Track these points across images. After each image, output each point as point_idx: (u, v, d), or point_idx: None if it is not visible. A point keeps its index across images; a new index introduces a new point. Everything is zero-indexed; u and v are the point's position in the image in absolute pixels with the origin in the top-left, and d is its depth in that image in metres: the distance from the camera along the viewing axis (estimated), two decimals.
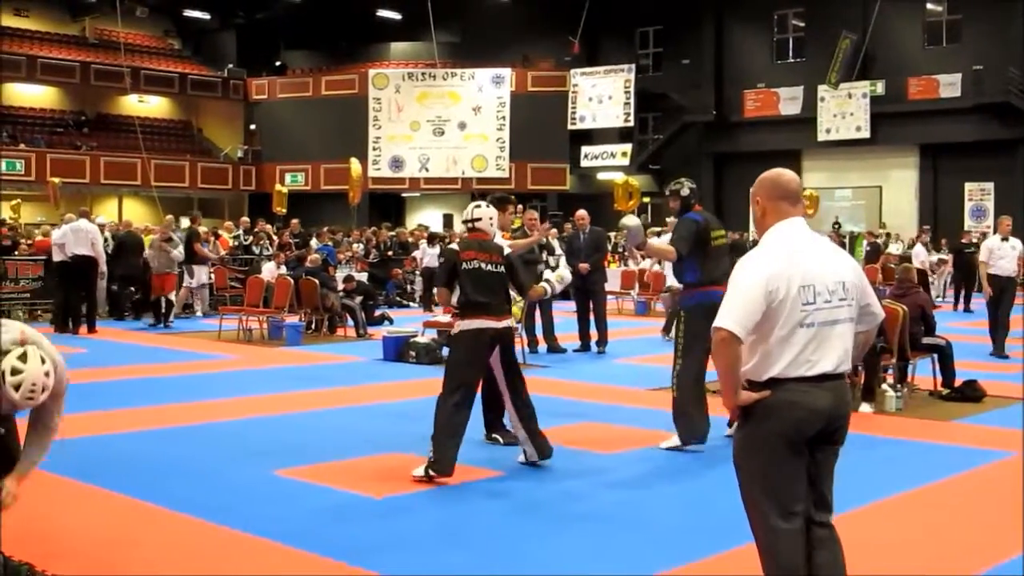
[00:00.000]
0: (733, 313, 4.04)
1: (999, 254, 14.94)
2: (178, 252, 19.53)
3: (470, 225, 8.04)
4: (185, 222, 22.44)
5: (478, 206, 8.07)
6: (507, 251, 7.97)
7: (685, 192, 8.83)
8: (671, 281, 22.73)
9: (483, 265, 7.73)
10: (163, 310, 19.00)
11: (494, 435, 8.74)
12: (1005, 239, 15.16)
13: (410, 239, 27.72)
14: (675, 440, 8.50)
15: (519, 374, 7.99)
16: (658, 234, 29.34)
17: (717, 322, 4.07)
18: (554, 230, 15.92)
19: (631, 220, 8.89)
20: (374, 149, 43.62)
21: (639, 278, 23.54)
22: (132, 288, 20.48)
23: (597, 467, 7.87)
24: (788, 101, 39.85)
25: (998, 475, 7.79)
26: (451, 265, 7.78)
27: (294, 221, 27.22)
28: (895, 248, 33.94)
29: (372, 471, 7.77)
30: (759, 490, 4.13)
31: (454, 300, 7.84)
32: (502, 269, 7.81)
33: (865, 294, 4.29)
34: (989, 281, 14.85)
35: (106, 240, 20.02)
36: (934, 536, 6.30)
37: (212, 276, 21.60)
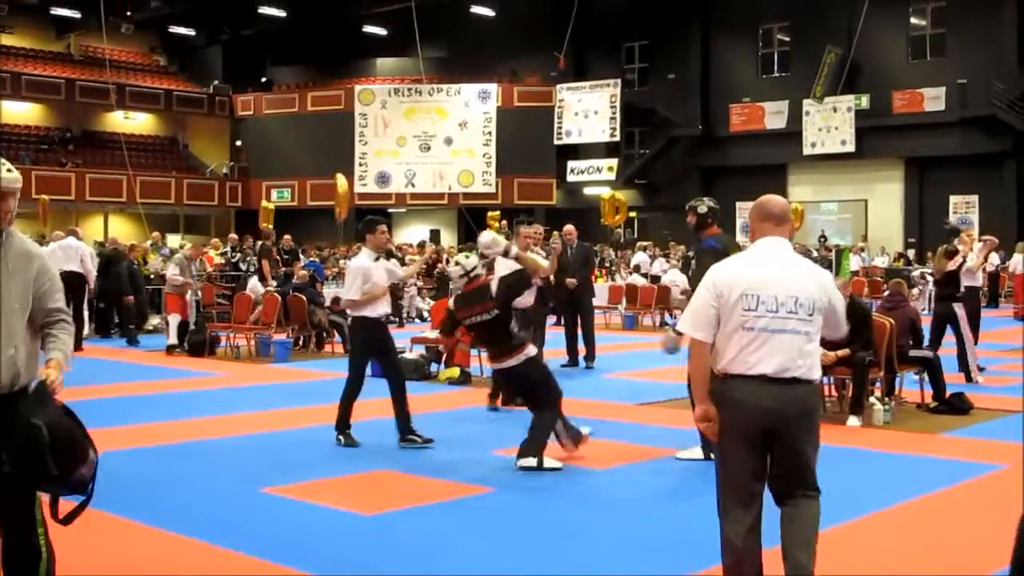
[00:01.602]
0: (691, 319, 4.69)
1: (965, 266, 14.98)
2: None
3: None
4: (172, 239, 22.44)
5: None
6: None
7: (703, 210, 8.72)
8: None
9: (478, 319, 8.42)
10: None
11: (410, 437, 9.29)
12: (970, 250, 15.24)
13: (397, 254, 27.64)
14: (696, 452, 8.46)
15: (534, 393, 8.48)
16: (644, 248, 29.54)
17: (681, 328, 4.76)
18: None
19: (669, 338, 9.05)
20: (360, 165, 43.65)
21: (628, 293, 23.55)
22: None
23: (587, 482, 7.87)
24: (773, 115, 39.99)
25: (988, 488, 7.79)
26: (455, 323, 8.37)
27: (286, 237, 27.18)
28: (881, 261, 34.09)
29: (362, 488, 7.75)
30: (717, 469, 4.76)
31: None
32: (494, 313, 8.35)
33: (831, 315, 4.78)
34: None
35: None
36: (925, 549, 6.30)
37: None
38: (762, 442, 4.57)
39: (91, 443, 4.34)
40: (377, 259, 9.55)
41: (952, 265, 13.84)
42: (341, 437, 9.28)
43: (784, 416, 4.53)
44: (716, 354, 4.61)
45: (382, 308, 9.55)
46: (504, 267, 10.55)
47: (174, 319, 17.60)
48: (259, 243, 23.63)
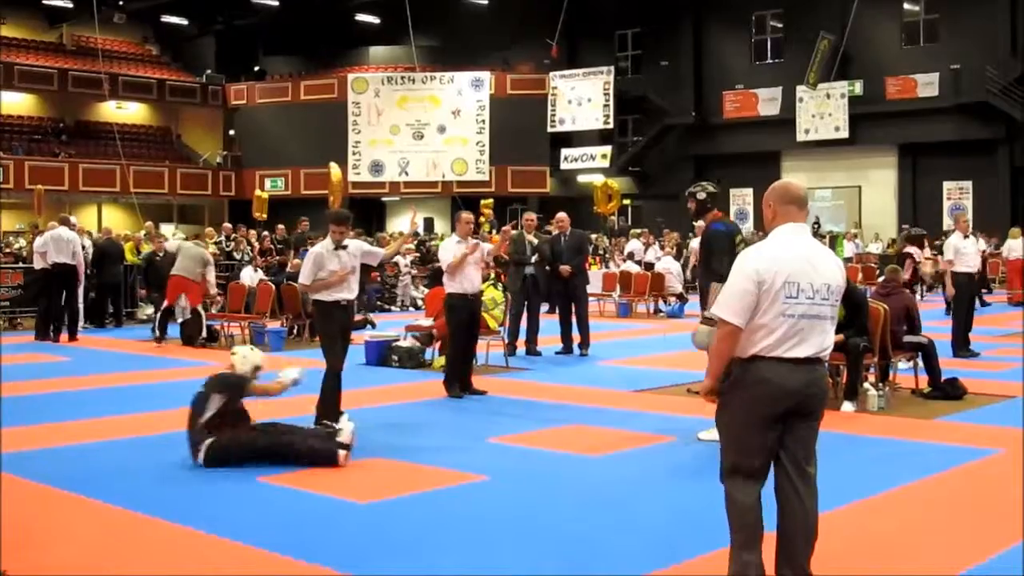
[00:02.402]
0: (732, 305, 4.66)
1: (963, 251, 14.93)
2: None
3: None
4: (166, 229, 22.36)
5: None
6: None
7: (702, 196, 8.81)
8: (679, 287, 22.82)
9: None
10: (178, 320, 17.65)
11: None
12: (966, 236, 15.19)
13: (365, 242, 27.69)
14: (715, 434, 8.53)
15: None
16: (638, 236, 29.51)
17: (718, 312, 4.68)
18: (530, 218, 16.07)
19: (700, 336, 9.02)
20: (354, 154, 43.59)
21: (622, 281, 23.55)
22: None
23: (582, 470, 7.87)
24: (767, 102, 39.99)
25: (982, 473, 7.81)
26: None
27: (279, 227, 27.18)
28: (875, 247, 34.13)
29: (356, 476, 7.75)
30: (725, 448, 4.84)
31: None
32: None
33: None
34: (956, 280, 14.84)
35: (84, 248, 19.88)
36: (919, 534, 6.32)
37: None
38: (782, 420, 4.67)
39: None
40: (336, 248, 9.66)
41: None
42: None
43: (808, 395, 4.67)
44: (746, 339, 4.67)
45: (339, 293, 9.61)
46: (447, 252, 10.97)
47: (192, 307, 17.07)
48: (294, 233, 24.22)
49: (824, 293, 4.68)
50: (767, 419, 4.66)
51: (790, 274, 4.63)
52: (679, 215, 38.85)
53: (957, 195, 36.59)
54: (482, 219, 31.69)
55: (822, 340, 4.69)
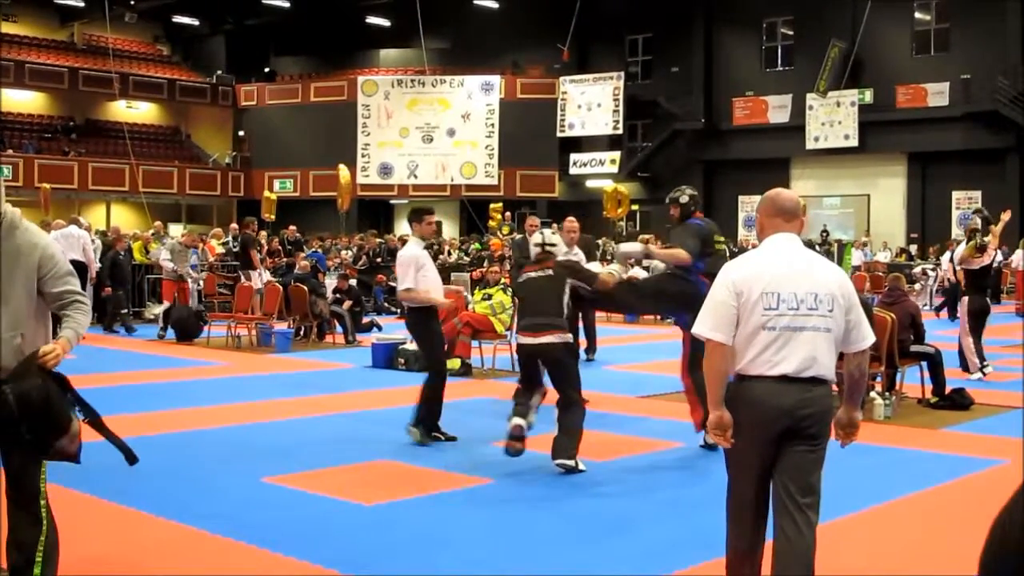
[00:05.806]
0: (709, 319, 4.49)
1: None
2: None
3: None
4: (175, 229, 22.43)
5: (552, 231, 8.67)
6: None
7: (684, 200, 8.78)
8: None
9: (533, 275, 8.26)
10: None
11: (434, 434, 9.10)
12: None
13: (399, 245, 27.71)
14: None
15: (564, 386, 8.23)
16: (646, 242, 29.51)
17: (698, 332, 4.51)
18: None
19: (626, 247, 9.14)
20: (363, 156, 43.62)
21: None
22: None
23: (587, 474, 7.86)
24: (777, 109, 39.92)
25: (989, 483, 7.79)
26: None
27: (291, 228, 27.23)
28: (883, 256, 34.09)
29: (362, 478, 7.76)
30: (727, 459, 4.62)
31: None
32: (550, 272, 8.26)
33: (850, 310, 4.53)
34: None
35: (95, 246, 19.94)
36: (924, 544, 6.31)
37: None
38: (776, 444, 4.39)
39: (81, 414, 4.54)
40: None
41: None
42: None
43: (802, 415, 4.36)
44: (731, 356, 4.46)
45: None
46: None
47: (161, 306, 18.31)
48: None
49: (811, 303, 4.39)
50: (759, 443, 4.39)
51: (768, 283, 4.39)
52: None
53: (966, 204, 36.49)
54: (492, 223, 31.78)
55: (812, 354, 4.38)
